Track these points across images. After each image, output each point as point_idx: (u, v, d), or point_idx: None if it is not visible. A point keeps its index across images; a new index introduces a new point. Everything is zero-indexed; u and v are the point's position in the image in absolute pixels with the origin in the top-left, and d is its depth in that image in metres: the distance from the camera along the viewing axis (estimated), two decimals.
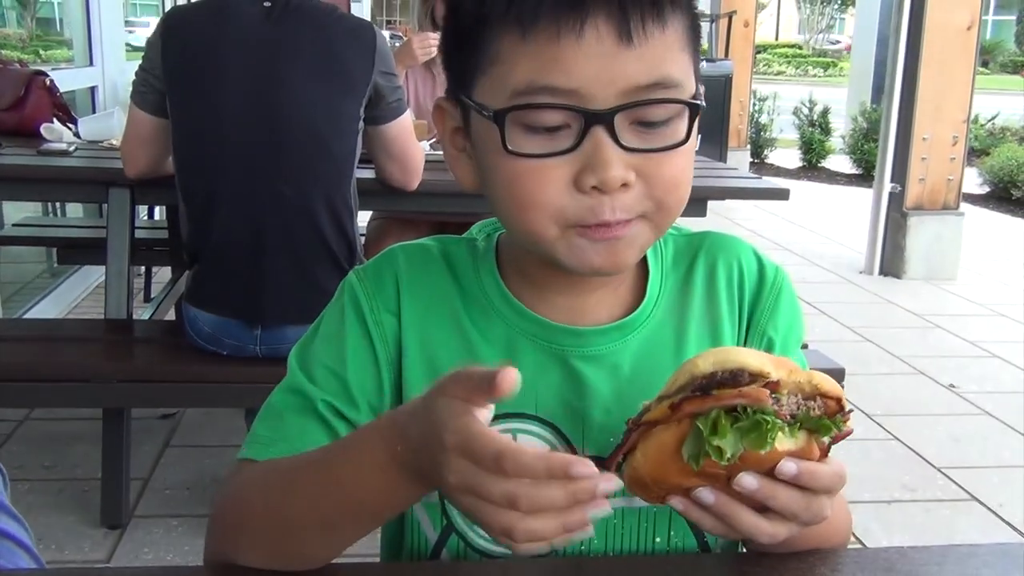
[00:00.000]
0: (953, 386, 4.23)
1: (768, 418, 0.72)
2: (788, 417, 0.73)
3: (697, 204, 3.15)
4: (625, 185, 0.81)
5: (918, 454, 3.48)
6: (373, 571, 0.93)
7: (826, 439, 0.76)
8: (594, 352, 0.94)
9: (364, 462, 0.79)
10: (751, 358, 0.74)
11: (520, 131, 0.82)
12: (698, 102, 0.84)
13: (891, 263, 6.34)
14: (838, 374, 2.77)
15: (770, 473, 0.75)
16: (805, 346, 2.84)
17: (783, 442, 0.73)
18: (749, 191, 3.46)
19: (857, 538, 2.76)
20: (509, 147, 0.82)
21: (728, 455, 0.72)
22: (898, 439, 3.59)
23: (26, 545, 1.07)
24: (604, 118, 0.80)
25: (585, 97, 0.80)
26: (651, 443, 0.77)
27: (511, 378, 0.68)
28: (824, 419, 0.75)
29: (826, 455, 0.77)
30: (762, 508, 0.78)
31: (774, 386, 0.73)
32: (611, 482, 0.68)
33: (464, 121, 0.89)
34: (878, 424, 3.72)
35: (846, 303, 5.61)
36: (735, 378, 0.73)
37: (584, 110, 0.80)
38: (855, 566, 0.87)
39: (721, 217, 7.57)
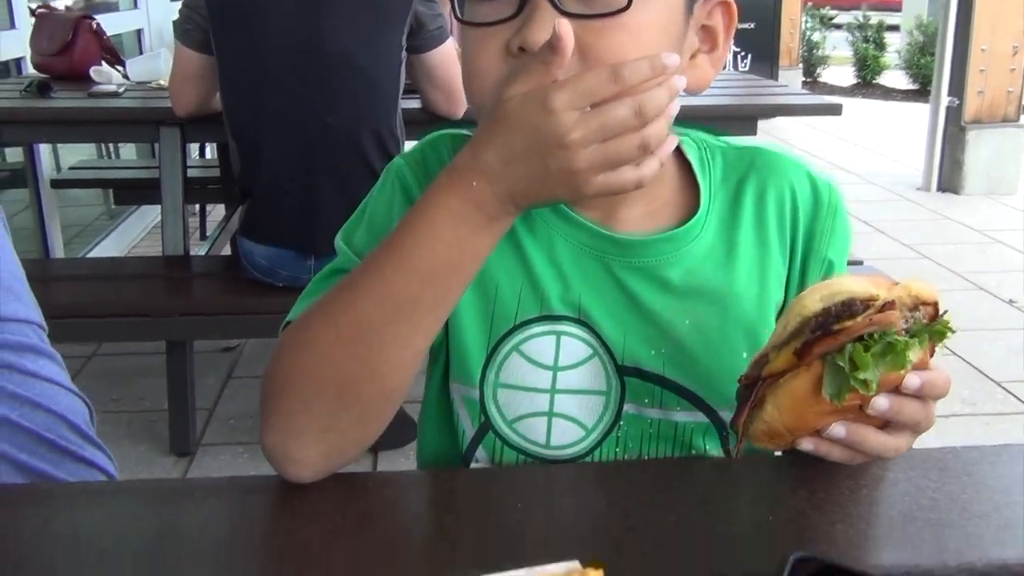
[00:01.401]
0: (1013, 301, 4.16)
1: (900, 338, 0.73)
2: (904, 333, 0.74)
3: (746, 123, 3.11)
4: None
5: (977, 369, 3.45)
6: (422, 478, 0.95)
7: (940, 345, 0.77)
8: (640, 263, 0.94)
9: (432, 218, 0.78)
10: (855, 285, 0.74)
11: (474, 3, 0.84)
12: None
13: (949, 179, 6.21)
14: None
15: (893, 391, 0.77)
16: (860, 263, 2.82)
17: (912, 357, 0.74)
18: (800, 107, 3.40)
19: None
20: (459, 15, 0.85)
21: (874, 385, 0.73)
22: (957, 354, 3.55)
23: (111, 474, 1.12)
24: None
25: None
26: (782, 393, 0.77)
27: (563, 28, 0.73)
28: (936, 326, 0.76)
29: (932, 355, 0.79)
30: (883, 425, 0.80)
31: (890, 306, 0.73)
32: (681, 80, 0.77)
33: None
34: None
35: (904, 220, 5.52)
36: (849, 309, 0.73)
37: None
38: (906, 465, 0.87)
39: (773, 137, 7.44)
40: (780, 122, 7.68)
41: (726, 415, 0.95)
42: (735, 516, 0.80)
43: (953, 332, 0.77)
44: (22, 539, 0.77)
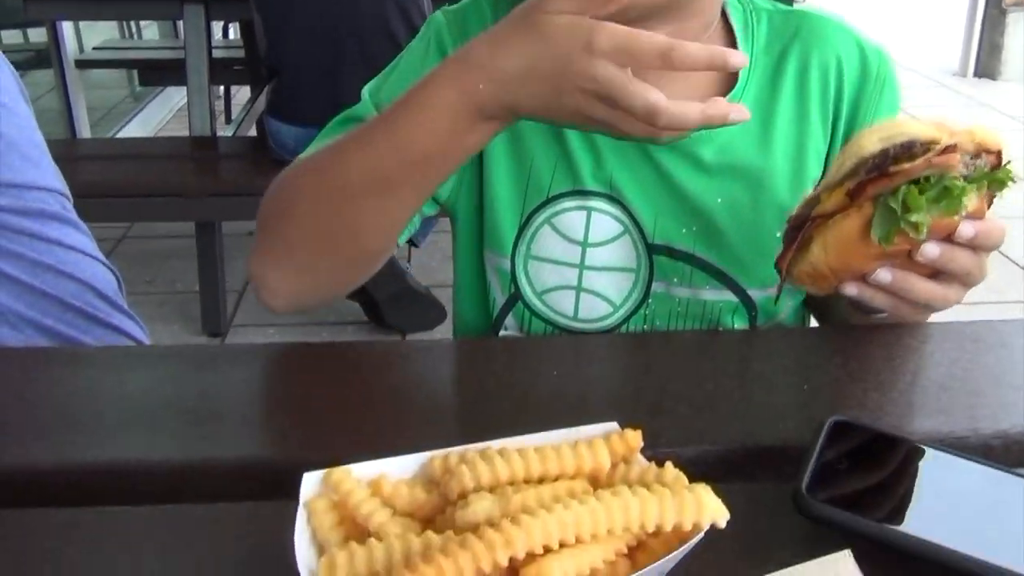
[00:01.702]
0: None
1: (956, 182, 0.70)
2: (964, 179, 0.72)
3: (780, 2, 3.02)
4: None
5: (1005, 256, 3.41)
6: (458, 346, 0.96)
7: (998, 195, 0.74)
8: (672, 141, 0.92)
9: (430, 107, 0.75)
10: (916, 127, 0.71)
11: None
12: None
13: (987, 64, 6.05)
14: None
15: (946, 238, 0.74)
16: None
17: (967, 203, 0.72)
18: None
19: None
20: None
21: (924, 228, 0.70)
22: None
23: (141, 341, 1.14)
24: None
25: None
26: (831, 234, 0.75)
27: None
28: (996, 175, 0.73)
29: (989, 206, 0.76)
30: (932, 275, 0.78)
31: (951, 149, 0.70)
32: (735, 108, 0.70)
33: None
34: None
35: (937, 107, 5.40)
36: (908, 151, 0.70)
37: None
38: (941, 337, 0.87)
39: None
40: (813, 2, 7.46)
41: (755, 294, 0.95)
42: (771, 384, 0.80)
43: (1014, 182, 0.73)
44: (69, 398, 0.79)
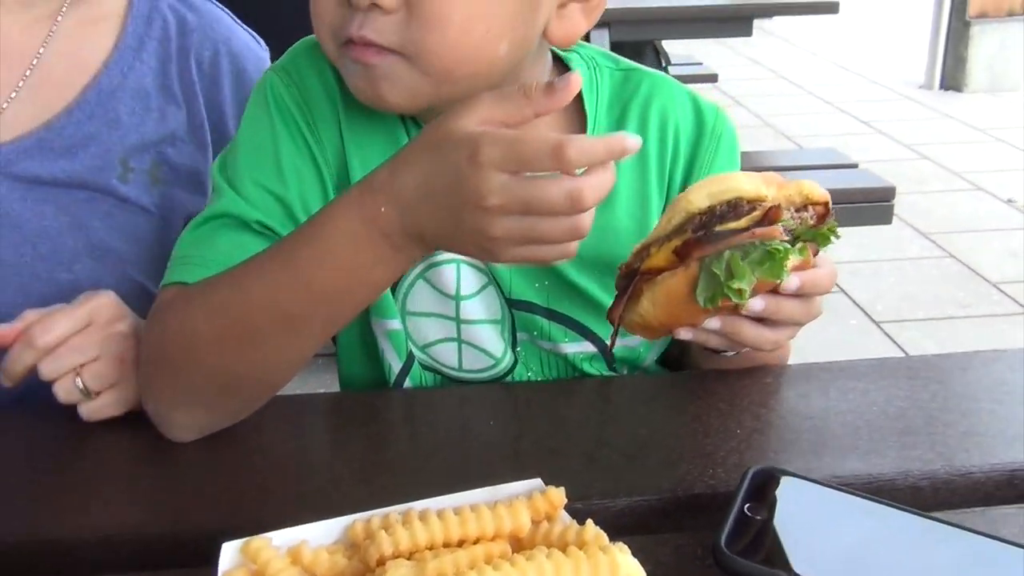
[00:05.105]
0: (1012, 200, 4.14)
1: (780, 248, 0.71)
2: (790, 233, 0.73)
3: (741, 23, 3.05)
4: (380, 8, 0.75)
5: (973, 270, 3.45)
6: (394, 397, 0.96)
7: (822, 249, 0.76)
8: None
9: (333, 239, 0.71)
10: (745, 183, 0.71)
11: None
12: None
13: (952, 76, 6.12)
14: (887, 192, 2.72)
15: (773, 289, 0.75)
16: (855, 166, 2.80)
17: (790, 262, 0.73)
18: (795, 6, 3.34)
19: (908, 356, 2.78)
20: None
21: (747, 295, 0.71)
22: (953, 256, 3.55)
23: None
24: None
25: None
26: (659, 291, 0.74)
27: (572, 80, 0.64)
28: (820, 230, 0.75)
29: (816, 255, 0.78)
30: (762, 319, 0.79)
31: (776, 212, 0.71)
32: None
33: None
34: (932, 242, 3.67)
35: (903, 120, 5.46)
36: (735, 209, 0.71)
37: None
38: (877, 374, 0.88)
39: (770, 35, 7.31)
40: (777, 21, 7.55)
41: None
42: (704, 429, 0.81)
43: (838, 237, 0.75)
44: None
